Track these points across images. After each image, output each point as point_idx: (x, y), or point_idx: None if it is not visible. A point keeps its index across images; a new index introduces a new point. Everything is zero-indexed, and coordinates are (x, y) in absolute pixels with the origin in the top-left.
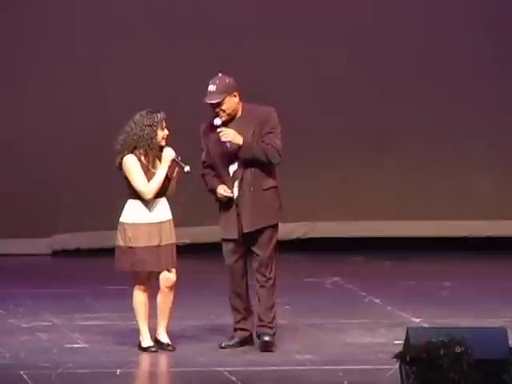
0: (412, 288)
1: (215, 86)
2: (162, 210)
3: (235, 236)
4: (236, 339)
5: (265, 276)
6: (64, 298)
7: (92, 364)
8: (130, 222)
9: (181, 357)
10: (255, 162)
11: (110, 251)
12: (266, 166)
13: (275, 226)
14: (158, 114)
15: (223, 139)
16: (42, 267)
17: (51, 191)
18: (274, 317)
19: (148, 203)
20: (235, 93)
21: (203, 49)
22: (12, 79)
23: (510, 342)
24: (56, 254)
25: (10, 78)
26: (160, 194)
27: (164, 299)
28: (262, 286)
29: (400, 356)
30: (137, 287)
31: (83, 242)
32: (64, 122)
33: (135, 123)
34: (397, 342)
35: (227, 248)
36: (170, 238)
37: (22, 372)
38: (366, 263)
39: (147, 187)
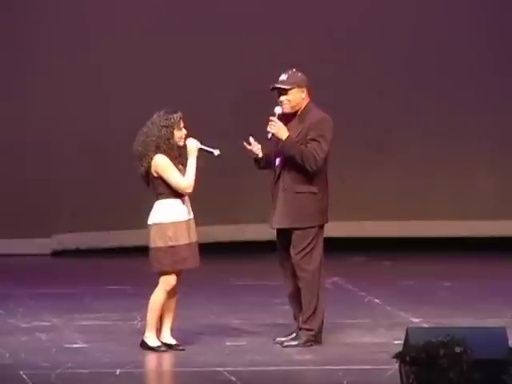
0: (412, 288)
1: (287, 76)
2: (189, 208)
3: (270, 226)
4: (294, 335)
5: (298, 276)
6: (64, 298)
7: (91, 364)
8: (168, 221)
9: (181, 357)
10: (294, 164)
11: (109, 251)
12: (304, 170)
13: (308, 228)
14: (175, 115)
15: (268, 129)
16: (42, 267)
17: (51, 191)
18: (309, 319)
19: (181, 201)
20: (304, 88)
21: (202, 50)
22: (13, 79)
23: (509, 342)
24: (56, 253)
25: (10, 78)
26: None
27: (175, 300)
28: (300, 287)
29: (400, 356)
30: (166, 287)
31: (83, 242)
32: (64, 122)
33: (152, 124)
34: (396, 342)
35: (277, 245)
36: (196, 235)
37: (21, 372)
38: (365, 263)
39: (186, 181)
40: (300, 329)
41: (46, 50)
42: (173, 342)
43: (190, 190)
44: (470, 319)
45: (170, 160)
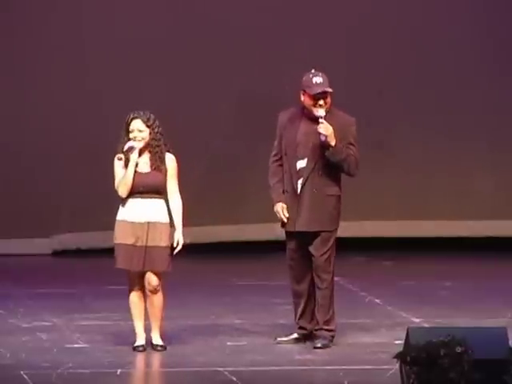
0: (412, 288)
1: (322, 79)
2: (144, 211)
3: (291, 229)
4: (295, 335)
5: (320, 277)
6: (64, 298)
7: (92, 364)
8: (116, 219)
9: (181, 357)
10: (329, 167)
11: (110, 251)
12: (334, 173)
13: (333, 231)
14: (131, 115)
15: (321, 131)
16: (42, 267)
17: (51, 191)
18: (330, 319)
19: (127, 202)
20: None
21: (200, 51)
22: (12, 79)
23: (510, 342)
24: (56, 253)
25: (10, 78)
26: (143, 193)
27: (150, 302)
28: (318, 288)
29: (400, 356)
30: (128, 287)
31: (83, 242)
32: (64, 122)
33: None
34: (397, 342)
35: (289, 246)
36: (146, 240)
37: (22, 372)
38: (366, 263)
39: (116, 183)
40: (319, 329)
41: (44, 50)
42: (155, 342)
43: (119, 193)
44: (471, 319)
45: (125, 160)
